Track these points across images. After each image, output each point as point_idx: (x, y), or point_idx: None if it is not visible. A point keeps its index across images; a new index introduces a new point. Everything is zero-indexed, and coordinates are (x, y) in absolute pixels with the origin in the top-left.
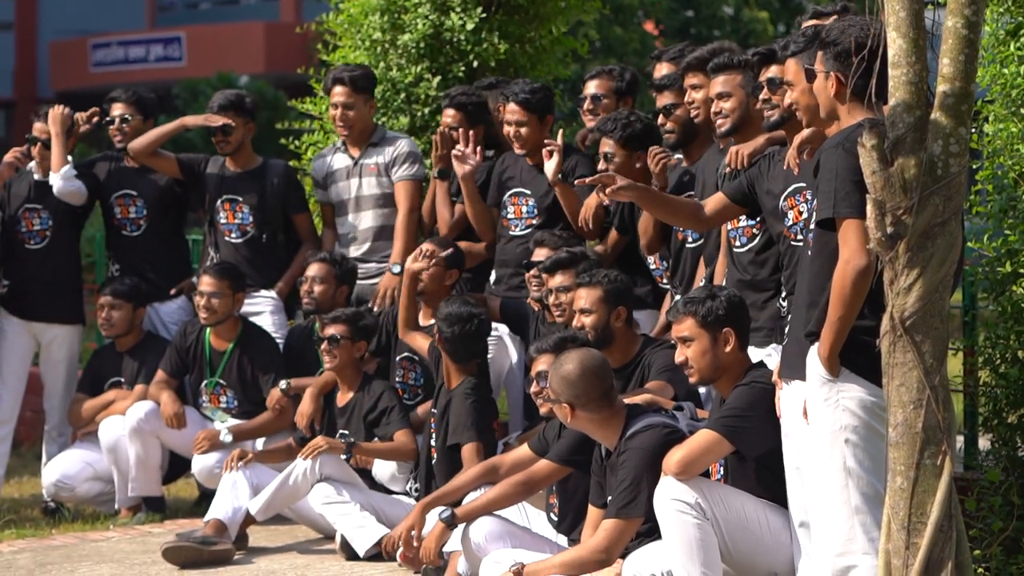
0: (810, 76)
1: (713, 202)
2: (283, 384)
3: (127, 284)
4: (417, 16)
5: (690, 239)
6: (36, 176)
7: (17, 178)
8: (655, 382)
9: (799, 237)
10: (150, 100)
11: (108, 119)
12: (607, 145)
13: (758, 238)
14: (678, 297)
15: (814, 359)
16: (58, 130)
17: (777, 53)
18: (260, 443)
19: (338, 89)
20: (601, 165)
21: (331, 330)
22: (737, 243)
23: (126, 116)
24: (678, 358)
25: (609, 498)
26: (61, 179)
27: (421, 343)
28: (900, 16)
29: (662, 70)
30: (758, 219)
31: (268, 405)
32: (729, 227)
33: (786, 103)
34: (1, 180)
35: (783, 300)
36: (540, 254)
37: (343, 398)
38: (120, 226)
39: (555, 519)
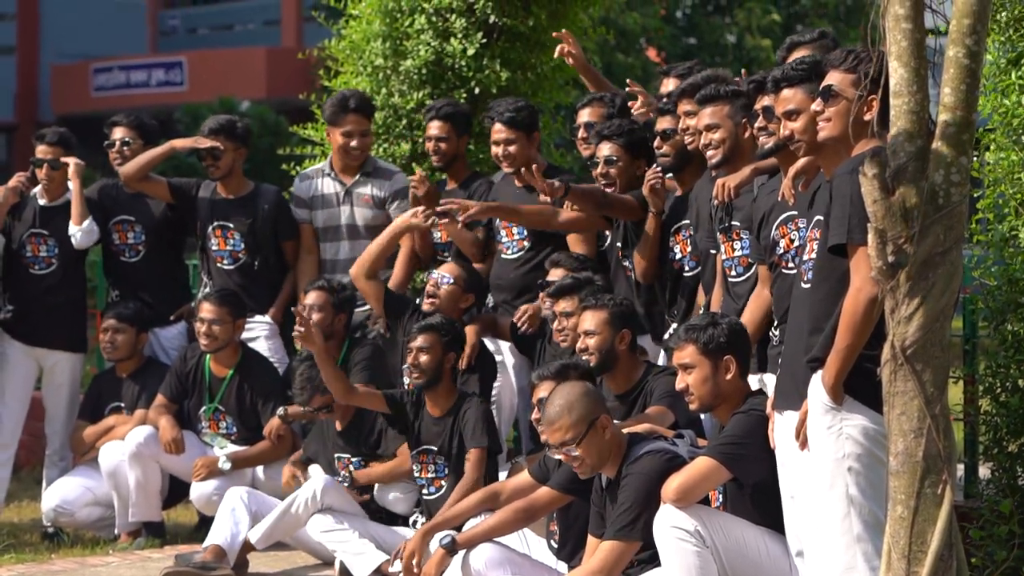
0: (832, 98)
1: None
2: (280, 411)
3: (131, 308)
4: (419, 43)
5: (686, 268)
6: (41, 201)
7: (21, 203)
8: (655, 408)
9: (790, 265)
10: (151, 125)
11: (108, 143)
12: (609, 149)
13: (754, 267)
14: (674, 325)
15: (817, 386)
16: (80, 184)
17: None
18: (260, 471)
19: (353, 117)
20: (601, 169)
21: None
22: (733, 273)
23: (127, 140)
24: (679, 385)
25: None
26: (82, 233)
27: (369, 400)
28: (902, 45)
29: (669, 85)
30: (750, 247)
31: (266, 434)
32: (724, 257)
33: (785, 134)
34: (6, 206)
35: (775, 329)
36: (555, 274)
37: (340, 426)
38: (118, 252)
39: (555, 546)
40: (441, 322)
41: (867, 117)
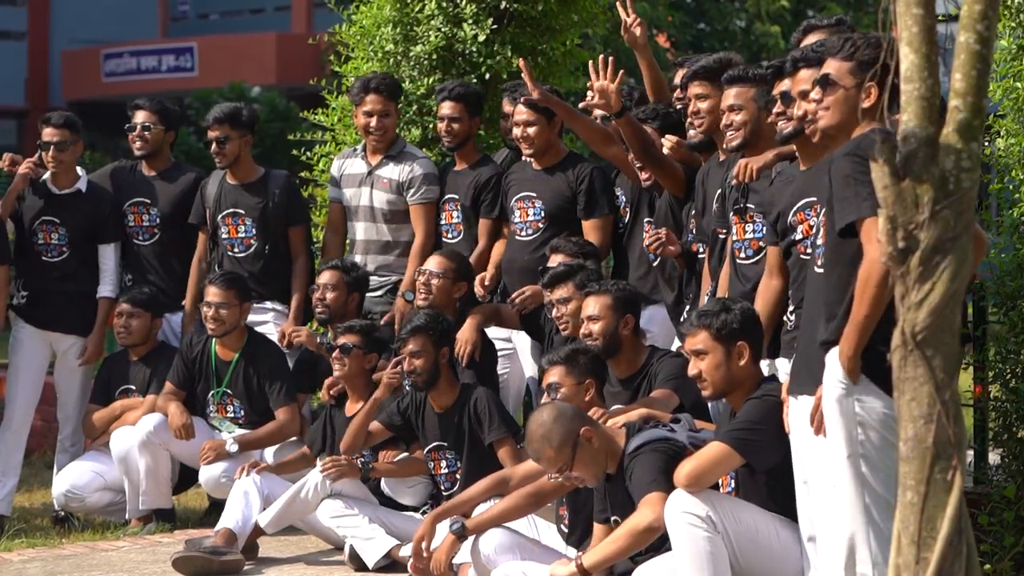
0: (830, 87)
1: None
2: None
3: (146, 293)
4: (429, 28)
5: (701, 250)
6: (52, 188)
7: (30, 189)
8: (661, 391)
9: (808, 251)
10: (173, 112)
11: (129, 125)
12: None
13: (764, 251)
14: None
15: (831, 370)
16: None
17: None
18: (269, 452)
19: (372, 97)
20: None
21: (344, 339)
22: (742, 255)
23: (148, 124)
24: (691, 371)
25: (629, 487)
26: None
27: (375, 438)
28: (913, 31)
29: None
30: (764, 231)
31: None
32: (735, 238)
33: (798, 114)
34: (15, 192)
35: (790, 314)
36: (555, 260)
37: (351, 408)
38: (132, 234)
39: (565, 531)
40: (427, 322)
41: (865, 104)
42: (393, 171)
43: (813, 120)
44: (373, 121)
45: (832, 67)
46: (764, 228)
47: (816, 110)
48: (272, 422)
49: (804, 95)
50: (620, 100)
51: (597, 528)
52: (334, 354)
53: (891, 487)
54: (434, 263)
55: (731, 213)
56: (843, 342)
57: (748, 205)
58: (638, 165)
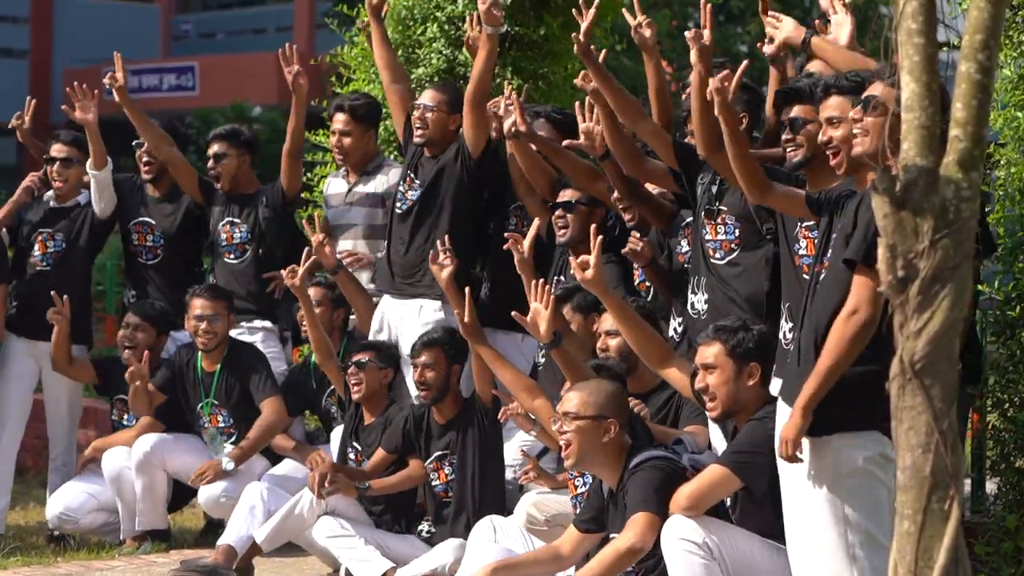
0: (873, 109)
1: None
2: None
3: (156, 308)
4: (431, 51)
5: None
6: (52, 204)
7: (34, 205)
8: (694, 427)
9: (811, 271)
10: (180, 132)
11: (138, 142)
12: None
13: (736, 252)
14: (678, 319)
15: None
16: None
17: (804, 92)
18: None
19: (337, 116)
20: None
21: (357, 356)
22: (716, 256)
23: None
24: (698, 384)
25: (625, 502)
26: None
27: (379, 467)
28: (914, 60)
29: None
30: (736, 234)
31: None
32: (708, 238)
33: (822, 139)
34: (17, 204)
35: (788, 332)
36: (566, 195)
37: (368, 420)
38: (136, 252)
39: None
40: (443, 336)
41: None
42: (369, 185)
43: (838, 148)
44: (334, 139)
45: (879, 90)
46: (736, 230)
47: (850, 135)
48: (259, 420)
49: (831, 122)
50: (604, 143)
51: (571, 531)
52: (350, 370)
53: (876, 520)
54: (427, 96)
55: (702, 214)
56: (803, 391)
57: (720, 207)
58: (622, 206)
